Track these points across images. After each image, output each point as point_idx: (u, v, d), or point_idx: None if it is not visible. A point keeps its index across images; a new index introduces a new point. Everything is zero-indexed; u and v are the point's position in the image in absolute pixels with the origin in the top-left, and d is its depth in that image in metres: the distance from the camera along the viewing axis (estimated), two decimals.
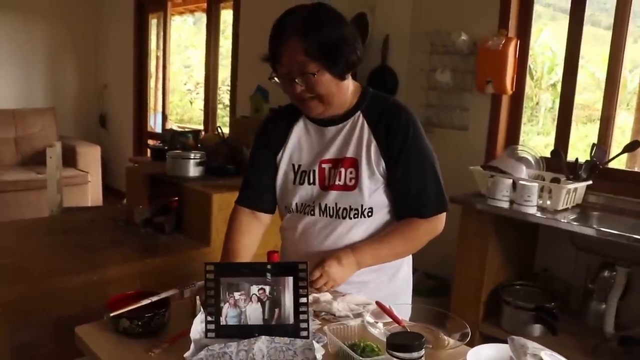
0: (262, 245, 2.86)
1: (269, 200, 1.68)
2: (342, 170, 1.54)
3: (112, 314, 1.29)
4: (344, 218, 1.56)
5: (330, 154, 1.56)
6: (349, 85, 1.55)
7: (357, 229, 1.56)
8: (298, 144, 1.61)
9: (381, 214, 1.58)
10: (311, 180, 1.58)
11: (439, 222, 1.59)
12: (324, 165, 1.57)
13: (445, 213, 1.60)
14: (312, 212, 1.58)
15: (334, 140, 1.57)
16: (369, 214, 1.56)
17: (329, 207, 1.56)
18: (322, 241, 1.58)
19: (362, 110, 1.56)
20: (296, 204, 1.61)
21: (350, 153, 1.54)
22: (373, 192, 1.54)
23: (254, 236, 1.68)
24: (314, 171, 1.58)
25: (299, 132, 1.62)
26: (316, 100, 1.49)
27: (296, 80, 1.44)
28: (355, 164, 1.53)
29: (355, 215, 1.55)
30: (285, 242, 1.72)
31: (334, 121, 1.57)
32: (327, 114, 1.54)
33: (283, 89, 1.51)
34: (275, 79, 1.50)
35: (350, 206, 1.54)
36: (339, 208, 1.55)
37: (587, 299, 2.73)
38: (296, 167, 1.61)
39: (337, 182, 1.54)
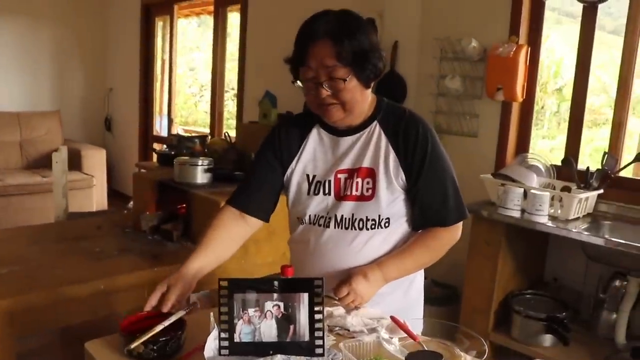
0: (273, 256, 2.85)
1: (264, 205, 1.63)
2: (359, 180, 1.52)
3: (132, 346, 1.23)
4: (360, 229, 1.53)
5: (346, 164, 1.54)
6: (369, 94, 1.54)
7: (374, 241, 1.54)
8: (312, 154, 1.58)
9: (398, 224, 1.56)
10: (326, 191, 1.55)
11: (458, 230, 1.59)
12: (339, 176, 1.54)
13: (462, 222, 1.59)
14: (327, 224, 1.55)
15: (350, 150, 1.54)
16: (386, 224, 1.53)
17: (345, 219, 1.53)
18: (338, 254, 1.55)
19: (378, 120, 1.55)
20: (310, 215, 1.57)
21: (366, 163, 1.52)
22: (390, 203, 1.52)
23: (234, 234, 1.60)
24: (329, 181, 1.55)
25: (313, 142, 1.59)
26: (338, 106, 1.46)
27: (323, 85, 1.42)
28: (372, 174, 1.51)
29: (373, 226, 1.52)
30: (295, 255, 1.68)
31: (349, 131, 1.55)
32: (345, 122, 1.53)
33: (305, 92, 1.48)
34: (299, 82, 1.47)
35: (367, 217, 1.52)
36: (355, 219, 1.52)
37: (598, 308, 2.71)
38: (310, 177, 1.57)
39: (353, 193, 1.52)
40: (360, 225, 1.53)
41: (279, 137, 1.62)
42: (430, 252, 1.57)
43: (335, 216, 1.54)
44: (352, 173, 1.53)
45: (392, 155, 1.51)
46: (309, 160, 1.59)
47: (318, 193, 1.56)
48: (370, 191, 1.51)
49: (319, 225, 1.56)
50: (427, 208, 1.54)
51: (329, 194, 1.55)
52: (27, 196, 5.22)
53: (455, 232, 1.59)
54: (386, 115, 1.55)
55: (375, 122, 1.54)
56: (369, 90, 1.52)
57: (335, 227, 1.54)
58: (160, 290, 1.41)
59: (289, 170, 1.60)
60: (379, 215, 1.52)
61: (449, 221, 1.55)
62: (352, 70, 1.41)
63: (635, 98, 3.01)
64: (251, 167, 1.68)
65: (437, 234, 1.56)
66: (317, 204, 1.56)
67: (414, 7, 3.42)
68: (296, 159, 1.59)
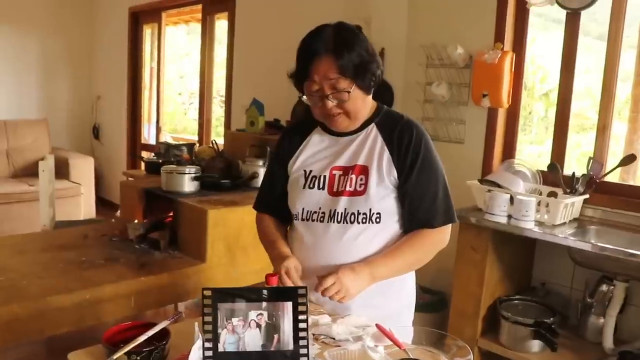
0: (260, 264, 2.84)
1: (285, 209, 1.72)
2: (353, 177, 1.57)
3: (115, 357, 1.22)
4: (352, 223, 1.57)
5: (342, 161, 1.60)
6: (370, 100, 1.61)
7: (366, 235, 1.57)
8: (311, 152, 1.66)
9: (389, 222, 1.59)
10: (321, 185, 1.61)
11: (446, 233, 1.64)
12: (334, 172, 1.60)
13: (450, 225, 1.63)
14: (320, 219, 1.59)
15: (346, 148, 1.62)
16: (377, 219, 1.57)
17: (338, 213, 1.57)
18: (331, 248, 1.58)
19: (376, 123, 1.62)
20: (303, 209, 1.62)
21: (361, 161, 1.58)
22: (381, 199, 1.56)
23: (282, 230, 1.75)
24: (324, 177, 1.61)
25: (313, 141, 1.67)
26: (344, 116, 1.55)
27: (328, 97, 1.50)
28: (365, 171, 1.57)
29: (364, 220, 1.56)
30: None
31: (348, 132, 1.62)
32: (351, 128, 1.61)
33: (312, 105, 1.57)
34: (304, 97, 1.55)
35: (358, 210, 1.56)
36: (348, 213, 1.57)
37: (585, 313, 2.72)
38: (307, 172, 1.64)
39: (347, 188, 1.57)
40: (352, 219, 1.57)
41: (282, 145, 1.73)
42: (418, 252, 1.61)
43: (330, 211, 1.58)
44: (347, 170, 1.59)
45: (387, 154, 1.57)
46: (307, 157, 1.66)
47: (313, 187, 1.62)
48: (362, 187, 1.57)
49: (312, 221, 1.61)
50: (416, 208, 1.58)
51: (323, 188, 1.60)
52: (13, 205, 5.18)
53: (442, 235, 1.63)
54: (384, 119, 1.63)
55: (372, 125, 1.62)
56: (370, 96, 1.60)
57: (328, 222, 1.58)
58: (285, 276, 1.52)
59: (289, 169, 1.68)
60: (370, 209, 1.56)
61: (436, 222, 1.60)
62: (354, 81, 1.49)
63: (621, 103, 3.03)
64: (265, 174, 1.82)
65: (424, 235, 1.60)
66: (311, 198, 1.61)
67: (400, 14, 3.43)
68: (296, 156, 1.68)
